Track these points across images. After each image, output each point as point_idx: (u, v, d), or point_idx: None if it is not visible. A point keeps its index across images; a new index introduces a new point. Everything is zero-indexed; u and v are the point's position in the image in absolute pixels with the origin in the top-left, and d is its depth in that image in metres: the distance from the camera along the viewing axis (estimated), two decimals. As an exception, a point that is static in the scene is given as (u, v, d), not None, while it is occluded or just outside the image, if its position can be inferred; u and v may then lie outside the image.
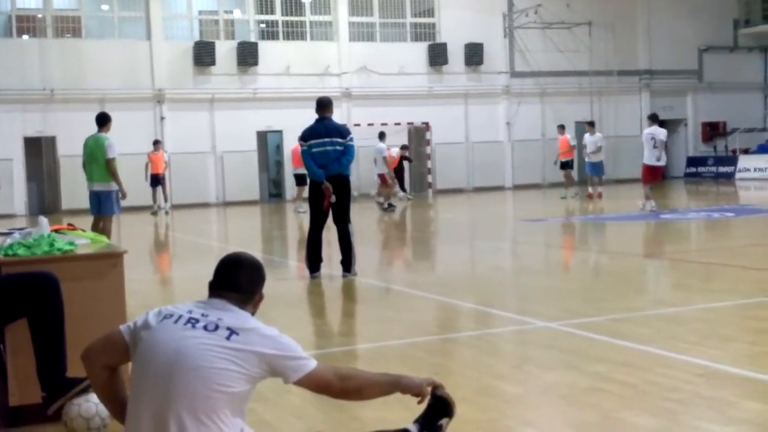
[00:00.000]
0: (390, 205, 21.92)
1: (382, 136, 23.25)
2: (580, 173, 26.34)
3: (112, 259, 4.48)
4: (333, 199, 9.90)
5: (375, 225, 17.78)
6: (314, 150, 10.00)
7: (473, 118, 29.98)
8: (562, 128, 24.80)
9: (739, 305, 7.60)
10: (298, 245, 16.20)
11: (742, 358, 5.67)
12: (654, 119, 18.29)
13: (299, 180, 22.00)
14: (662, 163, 17.97)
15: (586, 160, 22.95)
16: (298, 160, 22.04)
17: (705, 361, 5.56)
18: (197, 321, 3.08)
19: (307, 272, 10.25)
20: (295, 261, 13.32)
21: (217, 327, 3.05)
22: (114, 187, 11.89)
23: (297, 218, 20.48)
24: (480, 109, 30.07)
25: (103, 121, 12.02)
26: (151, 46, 26.75)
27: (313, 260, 10.19)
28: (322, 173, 9.89)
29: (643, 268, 10.62)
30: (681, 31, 32.39)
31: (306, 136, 10.19)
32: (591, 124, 23.70)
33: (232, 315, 3.12)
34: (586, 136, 23.01)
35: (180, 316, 3.12)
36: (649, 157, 17.66)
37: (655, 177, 18.07)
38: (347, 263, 10.12)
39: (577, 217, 17.96)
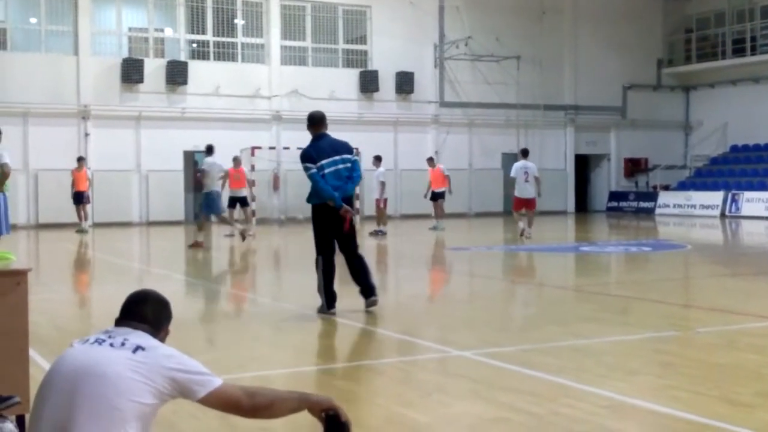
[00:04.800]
0: (380, 231, 21.32)
1: (378, 159, 22.78)
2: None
3: (16, 276, 4.39)
4: (354, 221, 8.94)
5: (295, 249, 17.69)
6: (326, 170, 8.79)
7: (402, 145, 30.17)
8: (431, 160, 24.51)
9: (648, 338, 7.77)
10: (224, 269, 16.06)
11: (647, 391, 5.78)
12: (525, 154, 19.59)
13: (233, 202, 21.55)
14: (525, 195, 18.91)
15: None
16: (235, 182, 21.62)
17: (611, 393, 5.67)
18: (103, 341, 3.12)
19: (318, 310, 9.10)
20: (218, 285, 13.18)
21: (123, 344, 3.08)
22: None
23: (230, 241, 20.21)
24: (409, 137, 30.28)
25: None
26: (78, 61, 26.30)
27: (332, 295, 9.05)
28: (339, 197, 8.74)
29: (560, 300, 10.78)
30: (606, 69, 33.19)
31: (313, 156, 8.86)
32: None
33: (139, 336, 3.15)
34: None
35: (86, 340, 3.16)
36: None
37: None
38: (371, 288, 9.09)
39: (501, 247, 18.19)
